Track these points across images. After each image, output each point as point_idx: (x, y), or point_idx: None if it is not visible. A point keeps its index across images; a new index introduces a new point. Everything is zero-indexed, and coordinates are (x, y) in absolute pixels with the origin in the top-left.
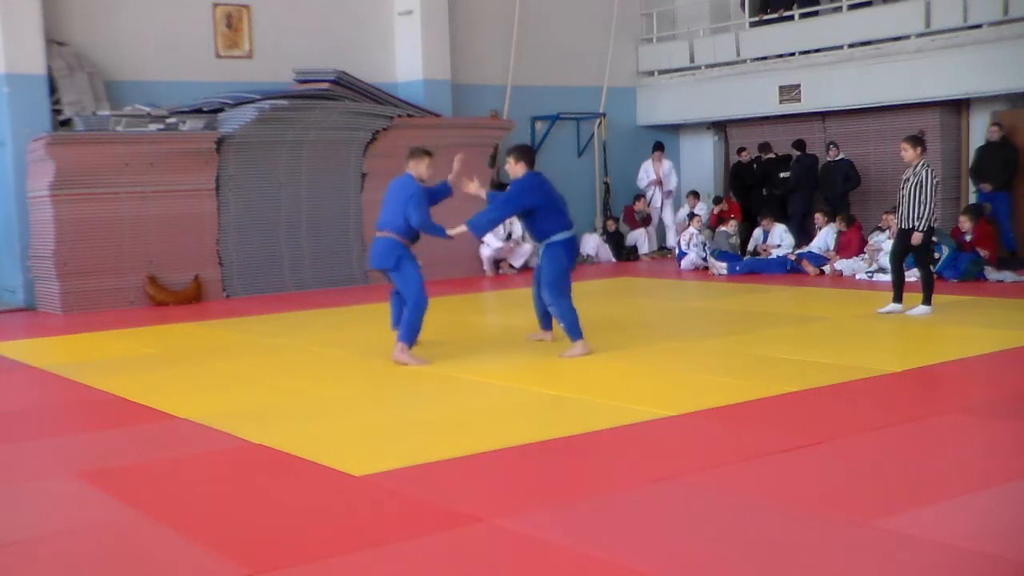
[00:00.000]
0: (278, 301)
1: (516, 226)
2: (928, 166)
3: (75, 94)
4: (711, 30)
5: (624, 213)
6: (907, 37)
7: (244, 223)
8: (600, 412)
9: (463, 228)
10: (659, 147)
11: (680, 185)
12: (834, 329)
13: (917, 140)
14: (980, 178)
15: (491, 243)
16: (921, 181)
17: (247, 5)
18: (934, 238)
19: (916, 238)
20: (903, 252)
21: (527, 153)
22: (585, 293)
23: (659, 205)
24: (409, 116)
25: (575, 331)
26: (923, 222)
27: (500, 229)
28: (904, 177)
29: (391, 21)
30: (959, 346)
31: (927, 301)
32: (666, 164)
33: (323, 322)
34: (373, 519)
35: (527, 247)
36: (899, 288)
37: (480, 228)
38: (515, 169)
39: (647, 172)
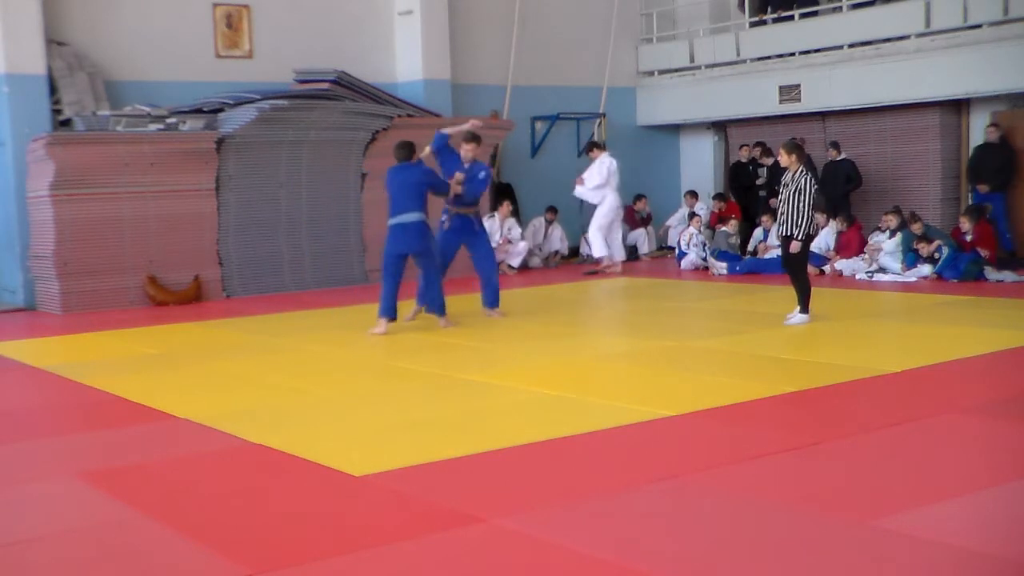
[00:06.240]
0: (278, 301)
1: (515, 229)
2: (807, 174)
3: (75, 94)
4: (711, 30)
5: (624, 213)
6: (907, 37)
7: (244, 223)
8: (600, 412)
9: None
10: (590, 148)
11: (619, 184)
12: (834, 329)
13: (794, 147)
14: (977, 178)
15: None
16: (800, 189)
17: (247, 5)
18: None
19: (794, 246)
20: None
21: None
22: (585, 293)
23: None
24: (409, 116)
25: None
26: (800, 230)
27: (495, 233)
28: (783, 182)
29: (391, 21)
30: (959, 346)
31: (804, 309)
32: (599, 160)
33: (323, 322)
34: (373, 519)
35: (523, 246)
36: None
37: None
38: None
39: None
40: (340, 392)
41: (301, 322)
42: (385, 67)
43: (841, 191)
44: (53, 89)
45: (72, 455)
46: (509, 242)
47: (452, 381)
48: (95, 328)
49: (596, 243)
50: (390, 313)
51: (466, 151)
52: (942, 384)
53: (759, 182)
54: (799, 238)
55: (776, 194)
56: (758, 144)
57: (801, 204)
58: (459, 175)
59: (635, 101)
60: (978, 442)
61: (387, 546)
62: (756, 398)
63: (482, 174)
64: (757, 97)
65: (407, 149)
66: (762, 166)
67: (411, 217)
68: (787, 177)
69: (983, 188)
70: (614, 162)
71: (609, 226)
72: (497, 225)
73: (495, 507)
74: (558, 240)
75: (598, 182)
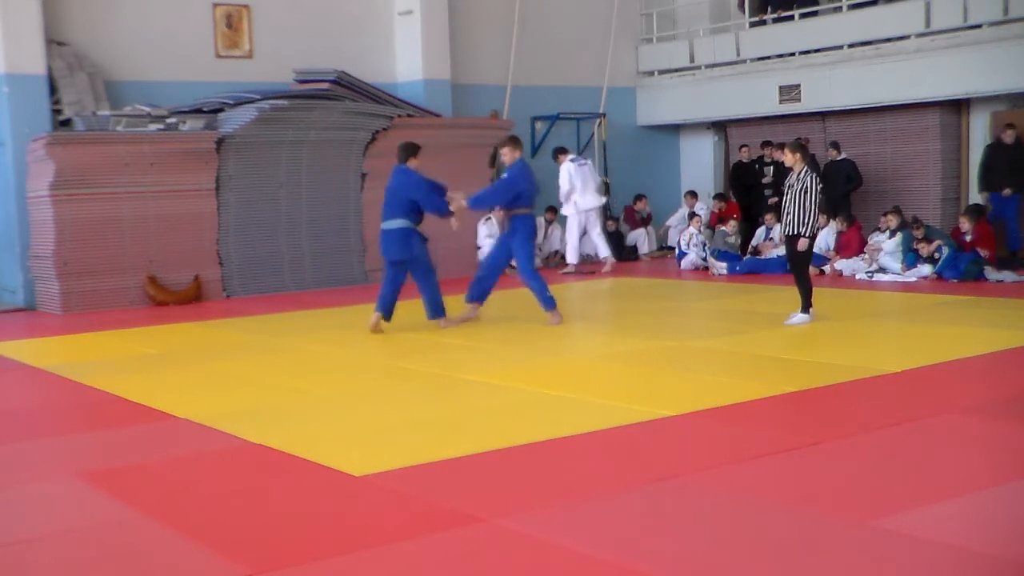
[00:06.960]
0: (278, 301)
1: None
2: (811, 173)
3: (75, 94)
4: (711, 30)
5: (624, 213)
6: (907, 37)
7: (244, 223)
8: (600, 412)
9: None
10: (555, 155)
11: (577, 187)
12: (834, 329)
13: (798, 146)
14: (992, 179)
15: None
16: (806, 188)
17: (247, 5)
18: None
19: (803, 244)
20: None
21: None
22: (585, 293)
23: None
24: (409, 116)
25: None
26: (807, 229)
27: (496, 229)
28: (788, 183)
29: (391, 21)
30: (959, 346)
31: (806, 309)
32: (562, 167)
33: (323, 322)
34: (373, 519)
35: None
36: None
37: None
38: (513, 156)
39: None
40: (340, 392)
41: (301, 322)
42: (385, 67)
43: (841, 191)
44: (53, 89)
45: (72, 455)
46: None
47: (452, 381)
48: (95, 328)
49: (567, 250)
50: (380, 308)
51: (503, 155)
52: (942, 384)
53: (765, 180)
54: (806, 235)
55: (781, 194)
56: (767, 143)
57: (808, 203)
58: (460, 203)
59: (635, 101)
60: (978, 442)
61: (387, 546)
62: (756, 398)
63: (481, 191)
64: (757, 97)
65: (405, 151)
66: (769, 164)
67: (392, 224)
68: (792, 178)
69: (1007, 192)
70: (572, 165)
71: (580, 230)
72: (495, 227)
73: (495, 507)
74: (558, 240)
75: (565, 189)
